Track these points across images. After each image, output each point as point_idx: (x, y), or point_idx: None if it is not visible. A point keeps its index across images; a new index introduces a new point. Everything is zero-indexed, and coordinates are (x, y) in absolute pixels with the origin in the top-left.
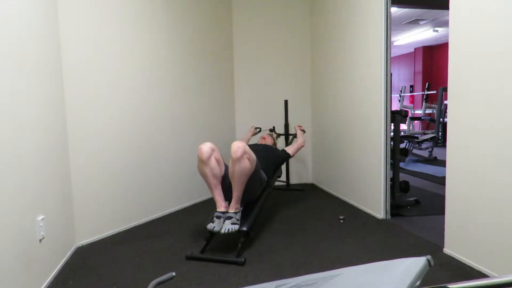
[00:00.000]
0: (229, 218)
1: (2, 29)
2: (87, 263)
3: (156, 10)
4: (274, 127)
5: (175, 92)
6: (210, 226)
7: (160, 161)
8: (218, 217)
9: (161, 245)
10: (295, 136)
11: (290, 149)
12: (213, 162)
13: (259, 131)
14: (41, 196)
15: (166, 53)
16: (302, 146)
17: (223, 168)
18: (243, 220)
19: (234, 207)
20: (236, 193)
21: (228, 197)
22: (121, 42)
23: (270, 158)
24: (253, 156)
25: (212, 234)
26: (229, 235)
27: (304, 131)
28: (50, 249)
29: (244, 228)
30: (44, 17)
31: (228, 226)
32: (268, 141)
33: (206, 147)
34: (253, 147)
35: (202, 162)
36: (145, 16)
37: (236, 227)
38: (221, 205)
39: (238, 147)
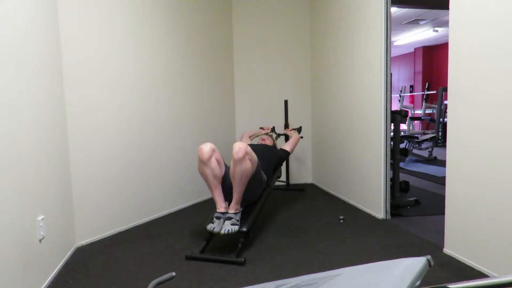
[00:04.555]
0: (229, 218)
1: (2, 29)
2: (87, 263)
3: (156, 11)
4: (274, 127)
5: (175, 92)
6: (210, 226)
7: (160, 161)
8: (218, 218)
9: (161, 245)
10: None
11: (288, 146)
12: (213, 162)
13: (272, 133)
14: (41, 196)
15: (166, 53)
16: (298, 140)
17: (223, 168)
18: (243, 221)
19: (234, 208)
20: (237, 194)
21: (228, 198)
22: (121, 42)
23: (269, 159)
24: (255, 157)
25: (212, 234)
26: (229, 235)
27: (296, 130)
28: (50, 249)
29: (244, 229)
30: (44, 17)
31: (228, 227)
32: (268, 142)
33: (206, 148)
34: (252, 147)
35: (203, 163)
36: (145, 16)
37: (236, 227)
38: (221, 206)
39: (240, 148)
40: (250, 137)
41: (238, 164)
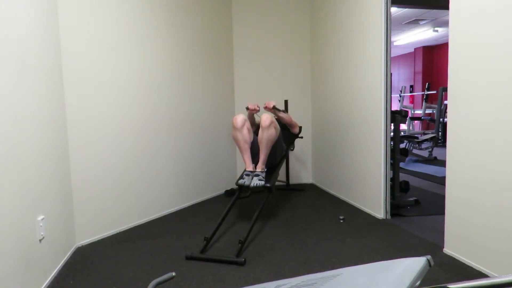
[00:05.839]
0: (257, 175)
1: (2, 29)
2: (87, 263)
3: (156, 11)
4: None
5: (175, 92)
6: (241, 181)
7: (160, 161)
8: (247, 175)
9: (161, 245)
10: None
11: (294, 129)
12: (245, 130)
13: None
14: (41, 196)
15: (166, 53)
16: (290, 118)
17: (252, 136)
18: (266, 179)
19: (260, 167)
20: (263, 156)
21: (255, 160)
22: (121, 42)
23: (285, 134)
24: (278, 126)
25: (213, 234)
26: (258, 189)
27: (276, 108)
28: (50, 249)
29: (268, 184)
30: (44, 17)
31: (256, 181)
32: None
33: (240, 117)
34: None
35: (236, 130)
36: (144, 16)
37: (262, 182)
38: (249, 166)
39: (267, 117)
40: (251, 123)
41: (265, 131)
